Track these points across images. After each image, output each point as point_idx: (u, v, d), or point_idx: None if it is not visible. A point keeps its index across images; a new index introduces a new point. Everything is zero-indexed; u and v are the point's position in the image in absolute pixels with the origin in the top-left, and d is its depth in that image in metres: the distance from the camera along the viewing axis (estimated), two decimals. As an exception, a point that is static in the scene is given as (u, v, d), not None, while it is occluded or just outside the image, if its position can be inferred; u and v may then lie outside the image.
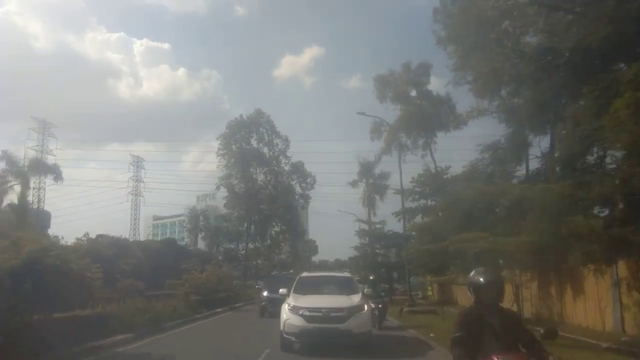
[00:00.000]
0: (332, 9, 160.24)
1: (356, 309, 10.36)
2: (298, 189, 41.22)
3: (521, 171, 22.01)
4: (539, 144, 21.85)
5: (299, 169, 41.06)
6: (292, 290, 11.50)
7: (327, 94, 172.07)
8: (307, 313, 10.10)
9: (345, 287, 11.80)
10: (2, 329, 8.15)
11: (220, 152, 39.60)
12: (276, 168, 40.88)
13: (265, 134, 40.54)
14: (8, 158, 43.76)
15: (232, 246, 39.52)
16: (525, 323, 4.03)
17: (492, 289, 3.60)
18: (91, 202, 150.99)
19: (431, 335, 12.85)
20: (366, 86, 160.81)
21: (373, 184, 46.37)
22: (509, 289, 14.86)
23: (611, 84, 11.50)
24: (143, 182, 75.67)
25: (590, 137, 11.79)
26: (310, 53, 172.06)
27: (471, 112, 25.94)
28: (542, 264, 12.58)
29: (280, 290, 12.48)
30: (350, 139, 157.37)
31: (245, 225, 39.99)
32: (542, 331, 3.70)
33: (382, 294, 17.81)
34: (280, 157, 41.10)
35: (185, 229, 54.72)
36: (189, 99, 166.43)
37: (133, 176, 75.35)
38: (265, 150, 40.73)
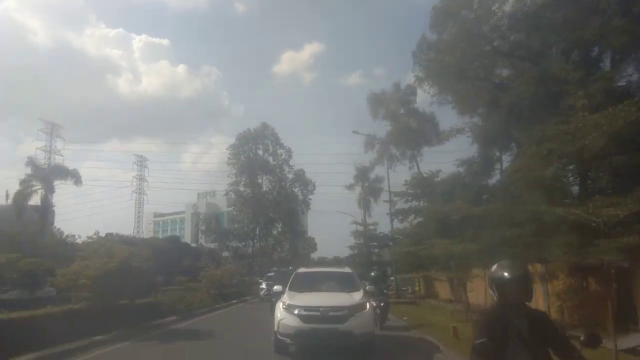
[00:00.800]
0: (332, 5, 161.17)
1: (357, 308, 9.65)
2: (299, 195, 45.55)
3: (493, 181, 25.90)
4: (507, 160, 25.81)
5: (300, 177, 45.63)
6: (287, 288, 10.77)
7: (327, 90, 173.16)
8: (304, 312, 9.36)
9: (346, 283, 11.04)
10: (109, 309, 12.30)
11: (230, 161, 44.25)
12: (280, 176, 45.26)
13: (270, 145, 45.12)
14: (33, 164, 47.96)
15: (240, 245, 43.65)
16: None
17: (520, 286, 3.10)
18: (93, 200, 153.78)
19: (404, 318, 16.86)
20: (366, 83, 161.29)
21: (368, 187, 50.35)
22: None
23: (534, 132, 15.48)
24: (147, 181, 79.39)
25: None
26: (310, 49, 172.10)
27: (450, 132, 29.86)
28: (483, 264, 16.51)
29: (275, 287, 11.85)
30: (349, 135, 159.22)
31: (252, 226, 44.28)
32: (582, 337, 3.08)
33: (385, 291, 16.45)
34: (284, 165, 45.73)
35: (198, 228, 58.15)
36: (189, 96, 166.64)
37: (137, 175, 79.06)
38: (270, 159, 45.31)
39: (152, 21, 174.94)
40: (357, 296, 10.16)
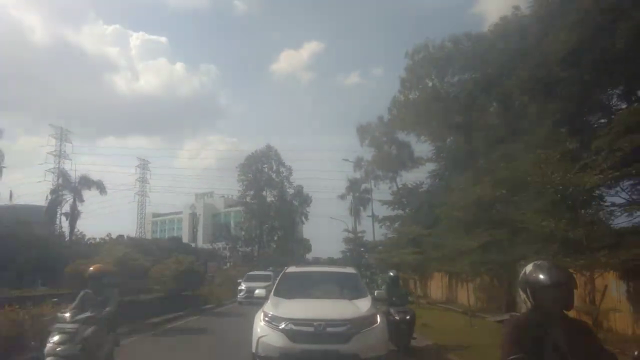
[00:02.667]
0: (332, 4, 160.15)
1: (365, 322, 7.28)
2: (299, 208, 53.03)
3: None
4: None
5: (299, 193, 53.43)
6: (271, 293, 8.45)
7: (325, 89, 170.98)
8: (293, 327, 7.00)
9: (349, 288, 8.66)
10: (179, 296, 19.45)
11: (240, 177, 52.25)
12: (282, 190, 52.85)
13: (274, 164, 53.04)
14: (63, 176, 55.07)
15: (247, 250, 50.96)
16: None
17: (563, 293, 2.59)
18: (96, 201, 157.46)
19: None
20: (365, 83, 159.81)
21: (358, 197, 57.51)
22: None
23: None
24: (149, 183, 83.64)
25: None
26: (310, 48, 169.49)
27: (420, 159, 37.16)
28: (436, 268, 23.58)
29: (257, 291, 9.06)
30: (346, 134, 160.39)
31: (258, 232, 51.84)
32: (635, 352, 2.46)
33: (410, 298, 12.94)
34: (285, 181, 53.59)
35: (195, 229, 64.48)
36: (187, 94, 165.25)
37: (139, 177, 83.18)
38: (274, 176, 53.09)
39: (151, 18, 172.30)
40: (363, 305, 7.77)
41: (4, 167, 35.60)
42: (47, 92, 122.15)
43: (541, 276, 2.63)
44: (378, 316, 7.52)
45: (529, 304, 2.72)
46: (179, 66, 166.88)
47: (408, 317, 10.09)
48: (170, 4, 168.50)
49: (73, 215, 55.62)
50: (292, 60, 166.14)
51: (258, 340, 7.10)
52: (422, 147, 33.57)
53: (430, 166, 31.76)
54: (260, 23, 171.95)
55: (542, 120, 14.41)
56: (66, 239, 46.85)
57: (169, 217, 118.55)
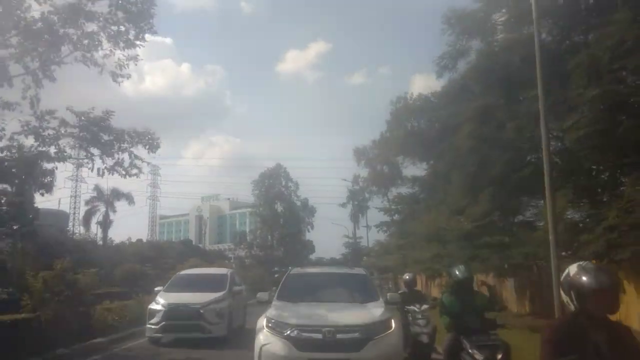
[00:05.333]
0: (338, 3, 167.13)
1: (379, 327, 6.61)
2: (305, 218, 61.93)
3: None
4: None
5: (306, 206, 62.22)
6: (275, 296, 7.73)
7: (331, 89, 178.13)
8: (298, 334, 6.40)
9: (358, 290, 7.91)
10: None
11: (254, 192, 61.53)
12: (290, 202, 61.33)
13: (282, 179, 61.56)
14: (98, 189, 62.68)
15: (260, 254, 59.02)
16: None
17: (610, 297, 2.55)
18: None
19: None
20: (370, 82, 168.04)
21: (358, 205, 65.02)
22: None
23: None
24: (159, 188, 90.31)
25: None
26: (316, 48, 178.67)
27: (405, 179, 44.62)
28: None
29: (259, 294, 8.33)
30: (350, 134, 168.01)
31: (270, 238, 60.19)
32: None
33: (433, 300, 10.60)
34: (293, 195, 62.28)
35: (203, 230, 73.02)
36: (192, 94, 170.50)
37: (151, 183, 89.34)
38: (283, 190, 61.60)
39: (157, 20, 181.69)
40: (376, 309, 7.11)
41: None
42: (52, 92, 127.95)
43: (587, 279, 2.55)
44: (393, 321, 6.85)
45: (572, 306, 2.63)
46: (185, 67, 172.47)
47: (428, 328, 8.08)
48: (177, 4, 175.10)
49: (106, 224, 63.49)
50: (297, 60, 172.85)
51: (261, 349, 6.46)
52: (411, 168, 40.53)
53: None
54: (266, 24, 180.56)
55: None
56: (99, 244, 54.53)
57: (176, 219, 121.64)
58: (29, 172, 10.06)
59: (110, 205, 62.24)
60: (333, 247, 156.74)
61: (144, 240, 69.64)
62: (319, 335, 6.34)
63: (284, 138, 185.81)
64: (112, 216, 59.09)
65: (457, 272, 6.19)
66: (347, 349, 6.33)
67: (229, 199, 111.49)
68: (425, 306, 8.50)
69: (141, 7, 9.82)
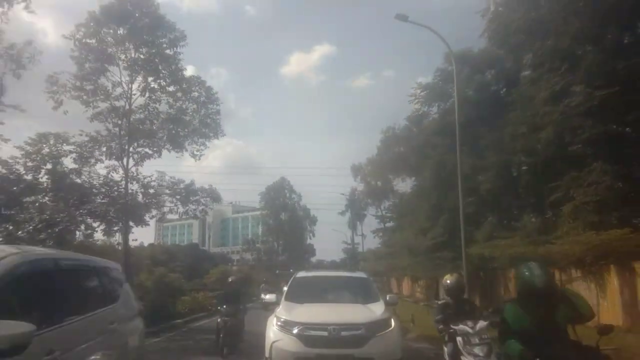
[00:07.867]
0: (342, 6, 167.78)
1: (380, 326, 7.18)
2: (307, 227, 69.14)
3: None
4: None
5: (308, 215, 69.08)
6: (283, 298, 8.38)
7: (335, 92, 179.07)
8: (306, 332, 7.00)
9: (361, 292, 8.50)
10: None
11: (261, 202, 68.35)
12: (293, 212, 68.51)
13: (287, 192, 68.64)
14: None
15: (264, 258, 65.74)
16: None
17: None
18: None
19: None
20: (374, 84, 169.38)
21: (356, 213, 71.12)
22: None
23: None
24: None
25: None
26: (320, 51, 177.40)
27: (396, 193, 50.81)
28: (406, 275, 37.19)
29: (267, 296, 9.70)
30: (354, 137, 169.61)
31: (275, 245, 67.07)
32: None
33: (491, 312, 7.29)
34: (296, 205, 69.35)
35: (207, 234, 79.43)
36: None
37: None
38: (287, 201, 68.52)
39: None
40: (377, 309, 7.64)
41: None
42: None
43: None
44: (392, 320, 7.37)
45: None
46: (189, 69, 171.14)
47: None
48: (181, 7, 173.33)
49: (126, 229, 69.62)
50: (302, 62, 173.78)
51: (272, 345, 7.03)
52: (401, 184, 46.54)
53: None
54: (270, 26, 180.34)
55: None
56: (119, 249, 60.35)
57: (179, 222, 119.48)
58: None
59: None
60: (332, 251, 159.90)
61: (155, 243, 75.67)
62: (325, 333, 6.90)
63: (287, 141, 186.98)
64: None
65: (527, 272, 4.02)
66: (351, 345, 6.84)
67: (231, 203, 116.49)
68: (482, 323, 6.08)
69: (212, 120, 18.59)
